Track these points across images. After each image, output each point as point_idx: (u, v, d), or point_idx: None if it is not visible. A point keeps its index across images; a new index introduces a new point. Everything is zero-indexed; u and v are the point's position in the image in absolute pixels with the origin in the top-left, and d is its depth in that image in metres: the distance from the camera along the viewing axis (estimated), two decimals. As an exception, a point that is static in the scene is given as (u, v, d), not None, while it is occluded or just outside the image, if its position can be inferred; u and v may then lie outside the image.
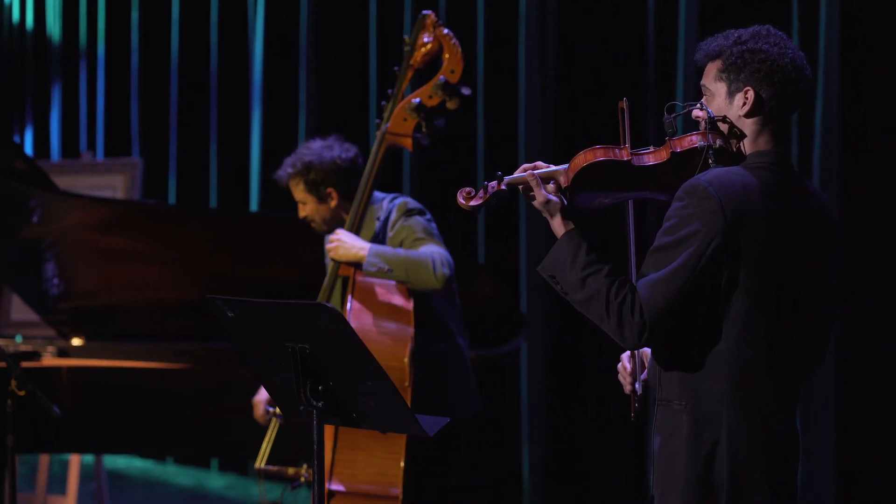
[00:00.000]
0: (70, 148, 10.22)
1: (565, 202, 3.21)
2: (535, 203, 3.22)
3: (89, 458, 7.65)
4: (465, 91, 4.44)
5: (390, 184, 6.79)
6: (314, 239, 5.14)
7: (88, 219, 6.25)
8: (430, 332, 4.53)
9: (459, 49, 4.43)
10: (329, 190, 4.76)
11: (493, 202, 3.29)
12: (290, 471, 4.56)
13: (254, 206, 8.87)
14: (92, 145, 10.03)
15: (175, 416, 5.93)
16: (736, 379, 3.10)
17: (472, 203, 3.30)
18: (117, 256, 6.33)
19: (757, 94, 3.16)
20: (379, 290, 4.44)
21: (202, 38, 9.31)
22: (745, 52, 3.17)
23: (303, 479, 4.52)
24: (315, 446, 3.39)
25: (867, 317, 6.05)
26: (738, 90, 3.18)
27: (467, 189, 3.32)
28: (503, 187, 3.27)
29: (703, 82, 3.26)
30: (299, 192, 4.82)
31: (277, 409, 4.73)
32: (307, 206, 4.84)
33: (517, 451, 7.36)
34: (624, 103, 3.30)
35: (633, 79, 6.95)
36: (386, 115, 4.54)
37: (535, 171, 3.24)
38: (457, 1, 7.72)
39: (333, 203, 4.78)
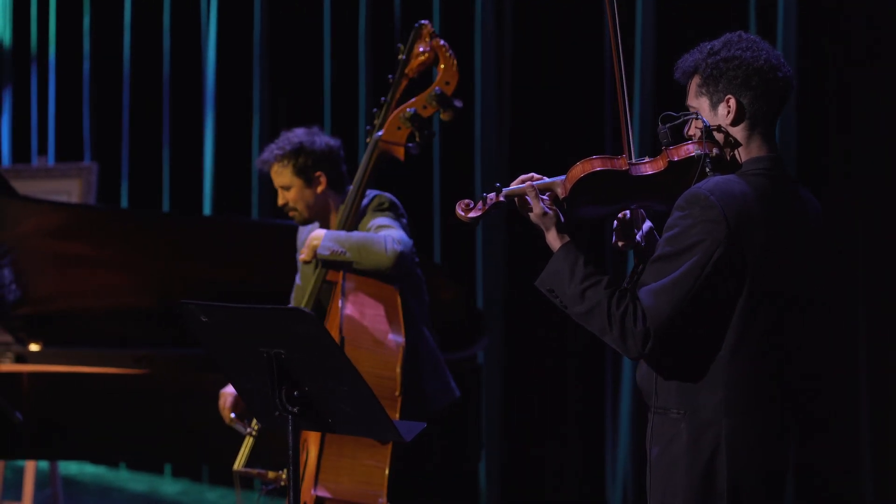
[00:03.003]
0: (21, 153, 10.14)
1: (561, 215, 3.21)
2: (532, 215, 3.22)
3: (44, 464, 7.61)
4: (458, 104, 4.43)
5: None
6: (270, 243, 5.13)
7: (47, 224, 6.22)
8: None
9: (455, 61, 4.42)
10: (318, 174, 4.73)
11: (491, 214, 3.28)
12: (271, 474, 4.54)
13: (206, 210, 8.86)
14: (43, 150, 9.96)
15: (133, 422, 5.91)
16: (735, 386, 3.12)
17: (471, 215, 3.28)
18: (75, 262, 6.30)
19: (738, 102, 3.18)
20: (370, 299, 4.41)
21: (155, 42, 9.27)
22: (719, 61, 3.19)
23: (282, 483, 4.50)
24: (290, 452, 3.40)
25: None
26: (720, 101, 3.20)
27: (466, 201, 3.31)
28: (501, 199, 3.25)
29: (687, 102, 3.27)
30: (285, 175, 4.74)
31: (254, 424, 4.72)
32: (291, 191, 4.75)
33: (474, 456, 7.37)
34: None
35: (589, 92, 7.01)
36: (378, 122, 4.51)
37: (533, 183, 3.23)
38: (411, 10, 7.75)
39: (321, 188, 4.74)
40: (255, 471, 4.60)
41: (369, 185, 4.59)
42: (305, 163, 4.72)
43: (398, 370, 4.27)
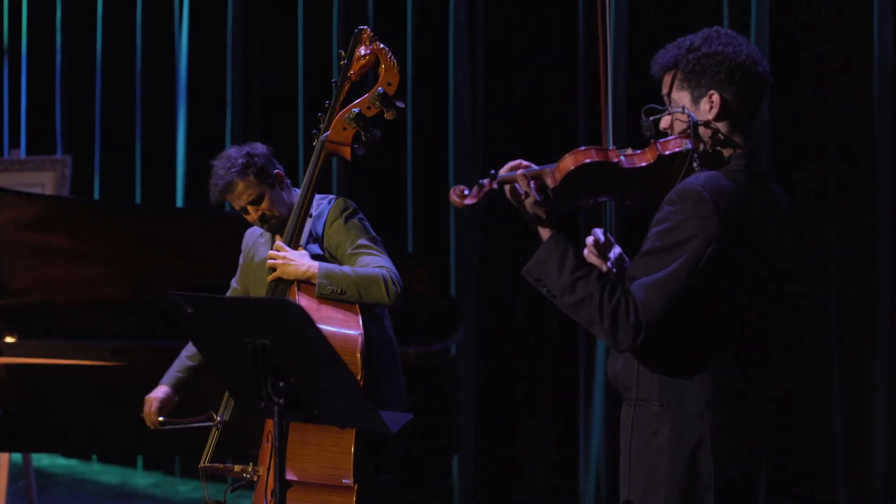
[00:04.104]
0: (-7, 145, 10.14)
1: (549, 204, 3.18)
2: (526, 202, 3.18)
3: (17, 457, 7.60)
4: (400, 104, 4.51)
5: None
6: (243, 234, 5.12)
7: (23, 216, 6.20)
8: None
9: (395, 63, 4.50)
10: (276, 172, 4.77)
11: (484, 201, 3.26)
12: (237, 468, 4.56)
13: (179, 203, 8.87)
14: (15, 143, 9.93)
15: (108, 414, 5.90)
16: (720, 379, 3.14)
17: (467, 202, 3.26)
18: (51, 254, 6.29)
19: (721, 97, 3.18)
20: None
21: (127, 35, 9.26)
22: (700, 57, 3.19)
23: (246, 478, 4.52)
24: (277, 443, 3.43)
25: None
26: (702, 96, 3.20)
27: (461, 187, 3.29)
28: (495, 186, 3.22)
29: (665, 93, 3.27)
30: (253, 187, 4.74)
31: (214, 417, 4.75)
32: (264, 201, 4.77)
33: (448, 449, 7.40)
34: None
35: (562, 83, 7.05)
36: (324, 124, 4.56)
37: (524, 171, 3.19)
38: (385, 5, 7.78)
39: (282, 185, 4.79)
40: (222, 465, 4.62)
41: (317, 187, 4.63)
42: (263, 167, 4.74)
43: (358, 356, 4.30)
